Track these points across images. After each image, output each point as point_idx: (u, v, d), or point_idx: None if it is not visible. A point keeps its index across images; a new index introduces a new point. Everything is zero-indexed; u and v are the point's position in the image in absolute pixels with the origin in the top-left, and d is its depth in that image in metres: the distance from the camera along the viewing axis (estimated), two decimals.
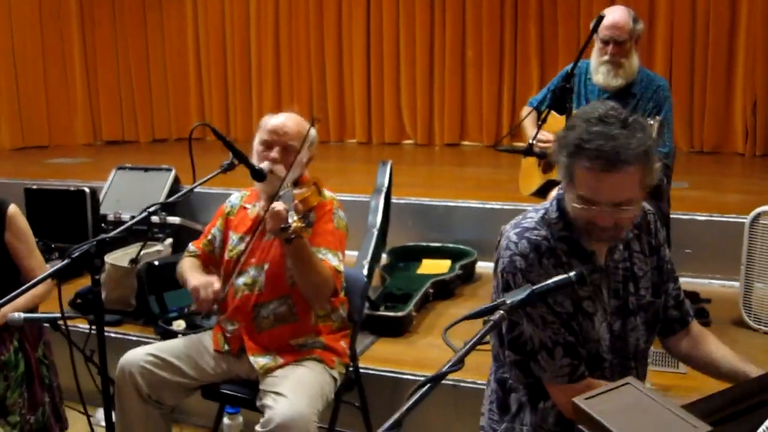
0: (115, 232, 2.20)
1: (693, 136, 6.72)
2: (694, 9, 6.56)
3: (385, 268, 4.30)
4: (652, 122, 3.17)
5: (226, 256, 2.80)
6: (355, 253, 3.89)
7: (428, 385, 1.23)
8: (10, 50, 8.08)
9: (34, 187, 4.96)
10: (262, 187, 2.70)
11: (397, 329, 3.58)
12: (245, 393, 2.72)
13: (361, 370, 3.15)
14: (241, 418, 3.31)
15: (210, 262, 2.87)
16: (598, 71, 3.54)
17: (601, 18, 3.23)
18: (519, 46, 7.24)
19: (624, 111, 1.82)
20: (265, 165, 2.63)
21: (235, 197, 2.93)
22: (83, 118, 8.59)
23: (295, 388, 2.53)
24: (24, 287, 2.22)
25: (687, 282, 3.75)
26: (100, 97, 8.66)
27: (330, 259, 2.63)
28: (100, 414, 3.36)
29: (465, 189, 5.42)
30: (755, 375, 1.80)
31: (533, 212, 2.01)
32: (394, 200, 4.68)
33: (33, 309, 2.92)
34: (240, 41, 8.41)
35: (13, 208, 3.04)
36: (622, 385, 1.14)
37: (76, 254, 2.07)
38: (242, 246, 2.73)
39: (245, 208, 2.86)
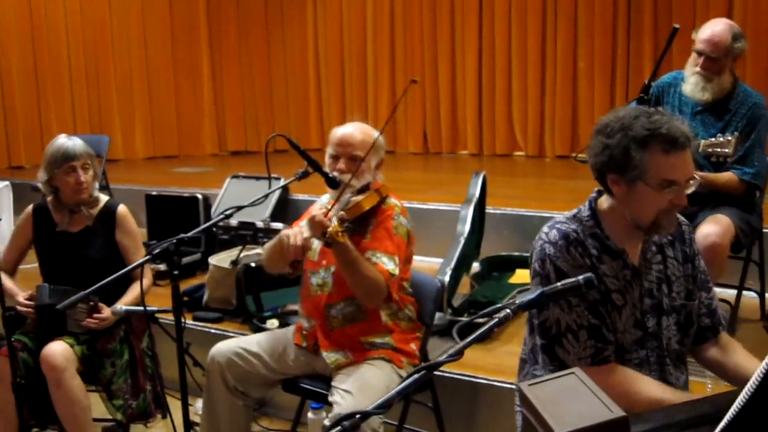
0: (192, 233, 2.41)
1: None
2: None
3: (476, 277, 4.37)
4: (730, 138, 3.12)
5: (307, 254, 2.97)
6: (441, 260, 4.01)
7: (423, 371, 1.33)
8: (145, 66, 8.72)
9: (154, 193, 5.37)
10: (332, 195, 2.85)
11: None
12: (321, 388, 2.86)
13: (438, 373, 3.25)
14: (324, 413, 3.47)
15: None
16: (689, 81, 3.48)
17: (676, 30, 3.20)
18: (632, 57, 7.12)
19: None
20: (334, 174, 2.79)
21: (325, 198, 3.06)
22: (210, 130, 9.13)
23: (362, 387, 2.65)
24: (102, 282, 2.46)
25: None
26: (226, 110, 9.18)
27: (384, 262, 2.71)
28: (199, 404, 3.61)
29: (566, 201, 5.39)
30: None
31: (568, 213, 2.14)
32: (490, 210, 4.75)
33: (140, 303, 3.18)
34: (357, 56, 8.70)
35: (122, 208, 3.36)
36: (568, 374, 1.21)
37: (157, 251, 2.30)
38: (317, 246, 2.88)
39: (328, 209, 3.02)
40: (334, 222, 2.39)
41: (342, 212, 2.49)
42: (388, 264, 2.72)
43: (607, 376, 1.96)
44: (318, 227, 2.53)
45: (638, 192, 1.96)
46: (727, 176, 3.36)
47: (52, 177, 3.22)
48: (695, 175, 1.98)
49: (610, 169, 1.98)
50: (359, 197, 2.71)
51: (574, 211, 2.13)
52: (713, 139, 3.16)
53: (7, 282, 3.31)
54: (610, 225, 2.07)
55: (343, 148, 2.83)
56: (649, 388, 1.95)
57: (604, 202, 2.10)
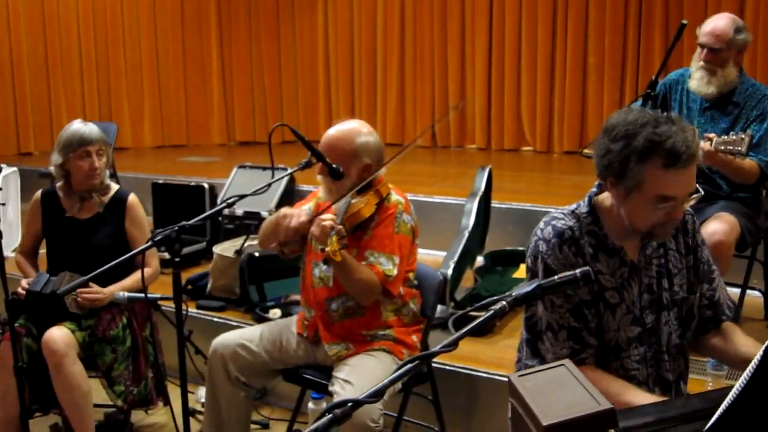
0: (194, 220, 2.41)
1: None
2: None
3: (479, 270, 4.37)
4: (743, 136, 3.09)
5: (311, 243, 2.97)
6: (445, 253, 4.00)
7: (417, 361, 1.33)
8: (154, 56, 8.74)
9: (161, 181, 5.38)
10: (326, 191, 2.84)
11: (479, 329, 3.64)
12: (322, 378, 2.87)
13: (438, 366, 3.27)
14: (324, 404, 3.49)
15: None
16: (694, 76, 3.50)
17: (683, 26, 3.19)
18: (642, 53, 7.07)
19: (657, 111, 1.94)
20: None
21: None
22: (218, 120, 9.15)
23: (362, 377, 2.66)
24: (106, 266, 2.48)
25: None
26: (235, 101, 9.19)
27: (382, 263, 2.72)
28: (200, 392, 3.63)
29: (572, 196, 5.36)
30: None
31: (567, 207, 2.11)
32: (495, 204, 4.75)
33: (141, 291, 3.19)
34: (367, 48, 8.68)
35: (132, 197, 3.36)
36: (557, 366, 1.21)
37: (159, 238, 2.31)
38: None
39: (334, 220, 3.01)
40: (332, 239, 2.37)
41: (340, 226, 2.48)
42: (386, 264, 2.72)
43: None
44: (321, 236, 2.53)
45: (634, 202, 1.94)
46: (749, 162, 3.32)
47: (66, 161, 3.23)
48: (699, 187, 1.94)
49: (609, 174, 1.96)
50: (358, 200, 2.71)
51: (573, 206, 2.11)
52: (726, 137, 3.12)
53: (26, 267, 3.37)
54: (609, 222, 2.05)
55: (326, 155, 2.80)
56: (624, 392, 1.90)
57: (605, 199, 2.07)
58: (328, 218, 2.55)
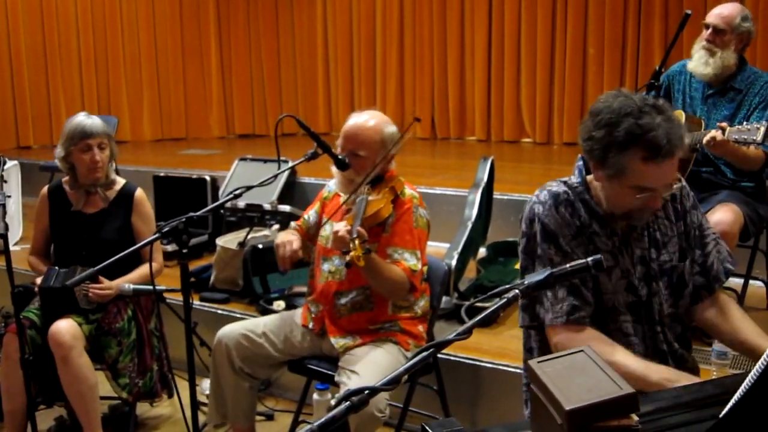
0: (202, 211, 2.41)
1: None
2: None
3: (482, 261, 4.38)
4: (758, 125, 3.08)
5: (318, 240, 2.98)
6: (448, 244, 4.01)
7: (432, 349, 1.34)
8: (153, 49, 8.73)
9: (162, 174, 5.38)
10: (341, 183, 2.84)
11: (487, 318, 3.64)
12: (328, 368, 2.88)
13: (442, 356, 3.27)
14: (329, 395, 3.49)
15: (306, 238, 3.04)
16: (694, 57, 3.53)
17: (687, 15, 3.21)
18: (642, 44, 7.07)
19: (650, 97, 1.93)
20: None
21: (333, 183, 3.05)
22: (218, 113, 9.14)
23: (369, 367, 2.66)
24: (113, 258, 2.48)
25: None
26: (234, 93, 9.18)
27: (407, 259, 2.73)
28: (205, 384, 3.63)
29: None
30: None
31: (559, 179, 2.13)
32: (497, 196, 4.74)
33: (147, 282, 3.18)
34: (366, 40, 8.67)
35: (139, 192, 3.37)
36: (577, 352, 1.22)
37: (166, 229, 2.31)
38: (329, 232, 2.86)
39: (339, 195, 3.00)
40: (355, 243, 2.36)
41: (361, 229, 2.46)
42: (411, 260, 2.73)
43: (581, 337, 1.95)
44: (341, 245, 2.53)
45: (613, 188, 1.96)
46: (755, 150, 3.32)
47: (68, 154, 3.23)
48: (681, 177, 1.96)
49: (591, 158, 1.97)
50: (375, 198, 2.71)
51: (565, 178, 2.12)
52: (740, 126, 3.11)
53: (41, 267, 3.33)
54: (600, 193, 2.06)
55: (347, 143, 2.81)
56: (629, 361, 1.90)
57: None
58: (341, 228, 2.55)
